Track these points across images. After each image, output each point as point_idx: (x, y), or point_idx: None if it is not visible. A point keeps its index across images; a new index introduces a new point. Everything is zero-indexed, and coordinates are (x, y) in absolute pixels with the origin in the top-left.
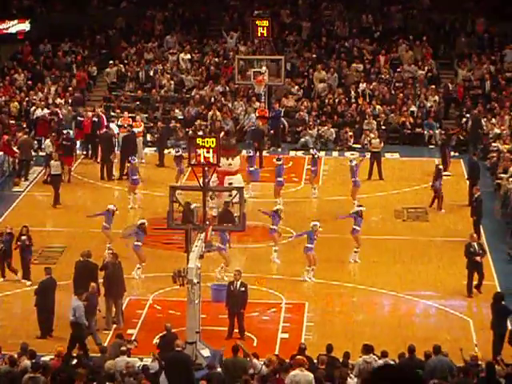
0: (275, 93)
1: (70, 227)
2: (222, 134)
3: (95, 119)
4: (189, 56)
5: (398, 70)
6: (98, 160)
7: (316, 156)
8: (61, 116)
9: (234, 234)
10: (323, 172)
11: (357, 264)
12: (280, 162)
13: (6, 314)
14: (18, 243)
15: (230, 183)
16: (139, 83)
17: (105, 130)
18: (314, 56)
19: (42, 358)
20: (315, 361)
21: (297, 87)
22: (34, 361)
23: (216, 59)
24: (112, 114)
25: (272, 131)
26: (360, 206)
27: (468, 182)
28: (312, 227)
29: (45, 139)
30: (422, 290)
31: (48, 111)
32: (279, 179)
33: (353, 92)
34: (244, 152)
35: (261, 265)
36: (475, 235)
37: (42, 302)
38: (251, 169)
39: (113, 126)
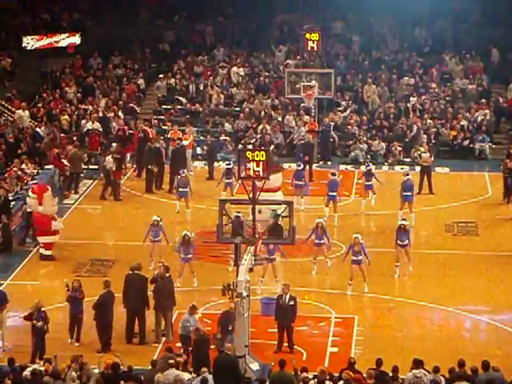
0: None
1: (120, 240)
2: (272, 147)
3: (141, 135)
4: (241, 70)
5: (449, 84)
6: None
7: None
8: (127, 132)
9: (283, 248)
10: (374, 186)
11: (406, 278)
12: (335, 177)
13: (58, 327)
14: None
15: None
16: (189, 97)
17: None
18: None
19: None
20: (364, 375)
21: (344, 102)
22: (79, 373)
23: (266, 73)
24: (163, 127)
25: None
26: (403, 219)
27: None
28: (353, 239)
29: (99, 154)
30: (472, 305)
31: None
32: (331, 193)
33: (403, 106)
34: (294, 166)
35: (310, 278)
36: None
37: (101, 315)
38: (300, 182)
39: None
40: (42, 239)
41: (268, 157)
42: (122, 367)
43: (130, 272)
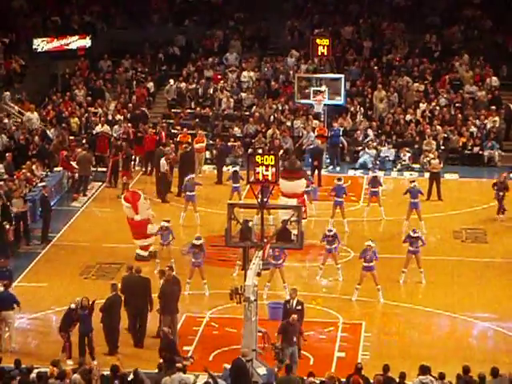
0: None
1: (128, 243)
2: (281, 152)
3: (158, 138)
4: (252, 74)
5: (460, 91)
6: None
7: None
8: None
9: (291, 252)
10: (382, 192)
11: (414, 284)
12: (341, 182)
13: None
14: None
15: None
16: (198, 101)
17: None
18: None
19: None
20: (371, 381)
21: (353, 108)
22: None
23: (276, 78)
24: (172, 131)
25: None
26: (414, 231)
27: None
28: (366, 246)
29: (107, 156)
30: (480, 312)
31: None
32: (338, 199)
33: (411, 111)
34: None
35: (318, 283)
36: None
37: (109, 318)
38: (309, 188)
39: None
40: (139, 242)
41: (290, 162)
42: (121, 369)
43: (128, 274)
